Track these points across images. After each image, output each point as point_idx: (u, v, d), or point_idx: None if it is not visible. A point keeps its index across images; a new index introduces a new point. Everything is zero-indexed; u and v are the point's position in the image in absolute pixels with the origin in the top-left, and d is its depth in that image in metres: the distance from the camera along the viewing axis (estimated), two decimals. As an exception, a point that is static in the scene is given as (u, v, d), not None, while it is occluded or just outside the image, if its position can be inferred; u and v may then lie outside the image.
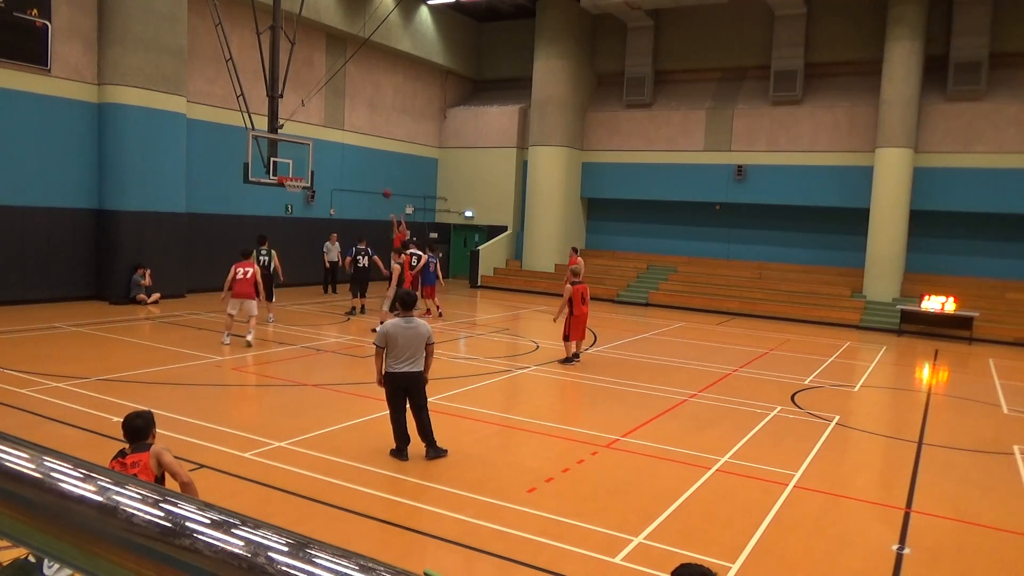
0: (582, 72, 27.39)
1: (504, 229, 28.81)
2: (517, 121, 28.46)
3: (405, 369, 7.59)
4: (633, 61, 26.84)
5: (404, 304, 7.84)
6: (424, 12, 27.02)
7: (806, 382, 13.00)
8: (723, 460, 8.22)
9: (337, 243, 21.71)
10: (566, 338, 13.32)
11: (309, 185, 18.60)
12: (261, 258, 15.48)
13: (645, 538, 6.02)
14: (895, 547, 6.20)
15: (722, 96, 25.95)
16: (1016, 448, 9.45)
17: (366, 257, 18.06)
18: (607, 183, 27.47)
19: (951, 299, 20.14)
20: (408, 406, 7.74)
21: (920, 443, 9.51)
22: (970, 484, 8.03)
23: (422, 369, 7.70)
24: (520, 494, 6.82)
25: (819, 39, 24.26)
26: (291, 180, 17.83)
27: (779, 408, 10.86)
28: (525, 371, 12.73)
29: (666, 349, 15.93)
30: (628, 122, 27.05)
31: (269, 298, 15.71)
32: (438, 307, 18.38)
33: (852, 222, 23.56)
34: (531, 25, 27.47)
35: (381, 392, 7.85)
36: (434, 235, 29.70)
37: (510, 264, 28.16)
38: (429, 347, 7.71)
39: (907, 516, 6.94)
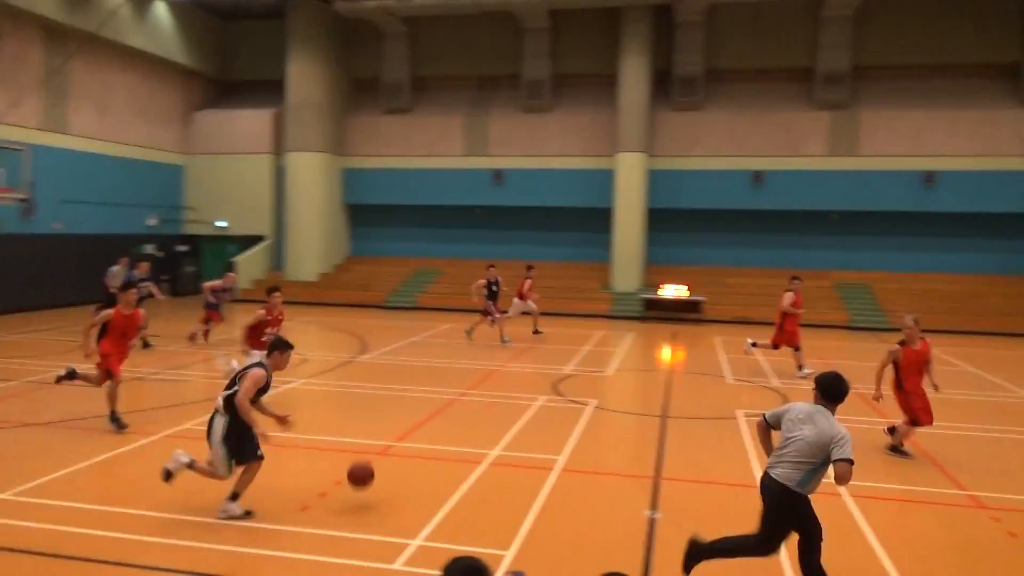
0: (339, 76, 26.92)
1: (261, 239, 27.45)
2: (271, 126, 27.24)
3: (777, 473, 4.98)
4: (391, 67, 26.91)
5: (827, 394, 5.04)
6: (160, 7, 24.88)
7: (565, 371, 13.88)
8: (494, 453, 8.52)
9: (126, 267, 18.23)
10: (915, 423, 8.75)
11: (26, 197, 16.33)
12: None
13: (424, 539, 6.05)
14: (648, 513, 6.83)
15: (478, 103, 26.87)
16: (739, 412, 10.84)
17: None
18: (369, 189, 27.26)
19: (684, 286, 22.77)
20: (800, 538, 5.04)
21: (664, 416, 10.58)
22: (707, 448, 9.09)
23: (802, 490, 4.94)
24: (292, 514, 6.53)
25: (564, 51, 26.05)
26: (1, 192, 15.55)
27: (543, 398, 11.47)
28: (291, 385, 12.22)
29: (435, 351, 16.17)
30: (388, 127, 27.06)
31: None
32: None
33: (599, 221, 25.55)
34: (282, 26, 26.44)
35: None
36: (183, 248, 27.51)
37: (271, 275, 26.86)
38: (839, 466, 4.71)
39: (656, 484, 7.68)
